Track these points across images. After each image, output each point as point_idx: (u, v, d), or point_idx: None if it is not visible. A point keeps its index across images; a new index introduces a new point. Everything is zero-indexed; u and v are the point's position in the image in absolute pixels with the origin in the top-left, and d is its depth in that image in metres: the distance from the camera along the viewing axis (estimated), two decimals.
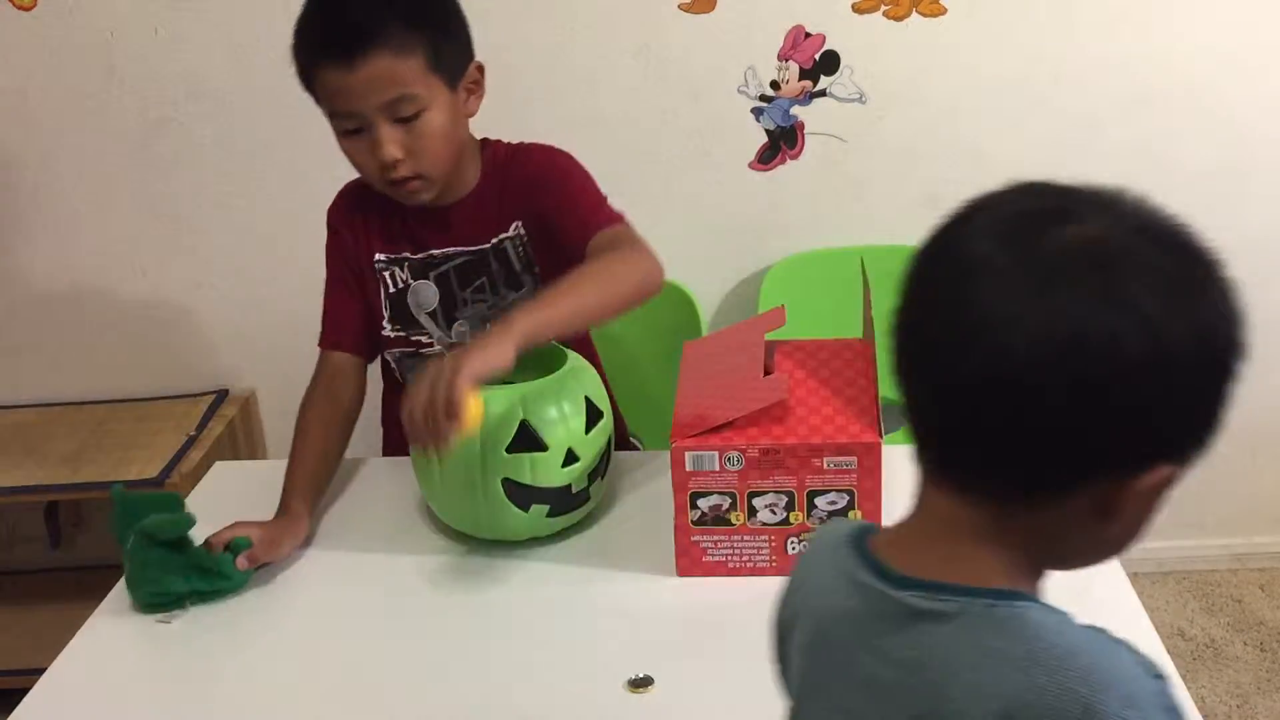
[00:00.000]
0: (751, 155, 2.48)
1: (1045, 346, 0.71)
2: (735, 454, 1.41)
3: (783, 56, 2.41)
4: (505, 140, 1.71)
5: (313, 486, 1.61)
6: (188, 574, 1.46)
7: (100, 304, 2.61)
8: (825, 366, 1.57)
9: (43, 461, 2.43)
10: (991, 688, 0.74)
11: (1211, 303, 0.74)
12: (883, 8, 2.37)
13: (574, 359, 1.56)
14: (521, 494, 1.49)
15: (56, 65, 2.44)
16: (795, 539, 1.44)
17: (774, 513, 1.43)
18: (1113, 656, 0.75)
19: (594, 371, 1.59)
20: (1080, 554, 0.81)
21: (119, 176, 2.51)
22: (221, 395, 2.63)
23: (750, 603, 1.43)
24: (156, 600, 1.47)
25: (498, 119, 2.47)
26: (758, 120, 2.45)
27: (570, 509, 1.53)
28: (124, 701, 1.37)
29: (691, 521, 1.45)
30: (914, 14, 2.37)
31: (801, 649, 0.90)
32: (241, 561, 1.48)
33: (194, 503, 1.76)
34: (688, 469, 1.42)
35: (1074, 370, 0.71)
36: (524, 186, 1.65)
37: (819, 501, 1.42)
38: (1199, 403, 0.75)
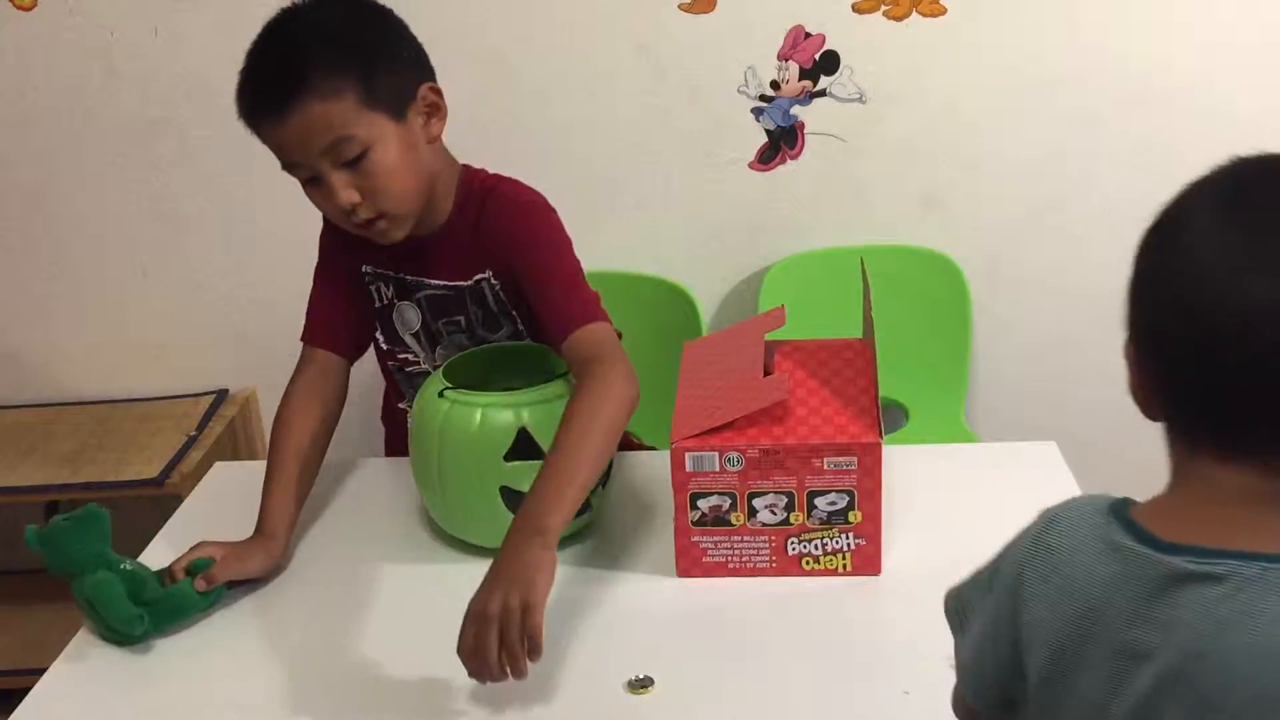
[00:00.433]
0: (751, 155, 2.48)
1: None
2: (735, 454, 1.41)
3: (783, 56, 2.41)
4: (487, 170, 1.64)
5: (295, 501, 1.58)
6: (141, 616, 1.40)
7: (100, 304, 2.61)
8: (825, 366, 1.57)
9: (43, 461, 2.43)
10: (1265, 648, 0.76)
11: None
12: (883, 8, 2.36)
13: None
14: (520, 502, 1.48)
15: (56, 65, 2.44)
16: (795, 539, 1.44)
17: (774, 513, 1.43)
18: None
19: None
20: None
21: (119, 176, 2.51)
22: (221, 395, 2.63)
23: (750, 603, 1.45)
24: (114, 640, 1.43)
25: (498, 119, 2.48)
26: (758, 120, 2.45)
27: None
28: (124, 702, 1.36)
29: (691, 522, 1.45)
30: (914, 14, 2.37)
31: (1054, 621, 0.89)
32: (199, 583, 1.44)
33: (194, 503, 1.77)
34: (688, 469, 1.42)
35: None
36: (500, 239, 1.58)
37: (819, 502, 1.42)
38: None
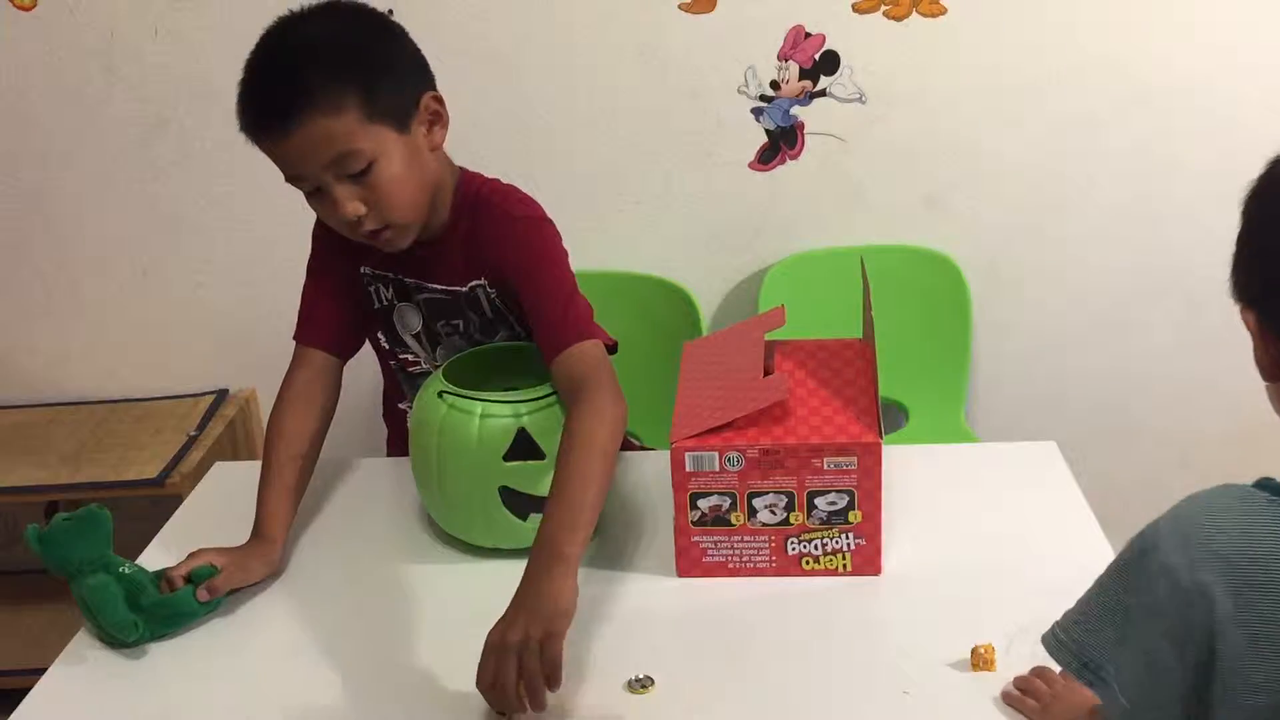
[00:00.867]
0: (751, 155, 2.48)
1: None
2: (735, 454, 1.41)
3: (783, 56, 2.41)
4: (484, 174, 1.64)
5: (292, 503, 1.58)
6: (136, 623, 1.40)
7: (100, 304, 2.61)
8: (825, 366, 1.57)
9: (43, 461, 2.43)
10: None
11: None
12: (883, 8, 2.37)
13: None
14: (519, 502, 1.48)
15: (56, 65, 2.44)
16: (795, 539, 1.44)
17: (774, 513, 1.43)
18: None
19: None
20: None
21: (119, 176, 2.51)
22: (221, 395, 2.63)
23: (750, 603, 1.44)
24: (111, 644, 1.43)
25: (499, 119, 2.48)
26: (758, 120, 2.45)
27: None
28: (124, 702, 1.36)
29: (691, 522, 1.45)
30: (914, 14, 2.37)
31: (1228, 608, 0.89)
32: (202, 594, 1.43)
33: (194, 503, 1.77)
34: (688, 469, 1.42)
35: None
36: (492, 253, 1.58)
37: (819, 502, 1.42)
38: None
